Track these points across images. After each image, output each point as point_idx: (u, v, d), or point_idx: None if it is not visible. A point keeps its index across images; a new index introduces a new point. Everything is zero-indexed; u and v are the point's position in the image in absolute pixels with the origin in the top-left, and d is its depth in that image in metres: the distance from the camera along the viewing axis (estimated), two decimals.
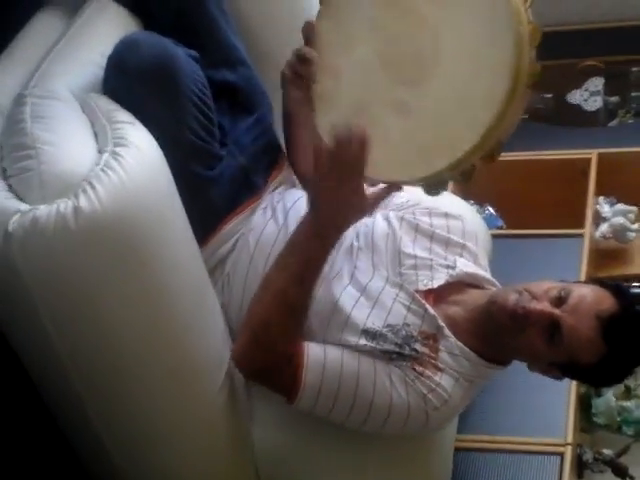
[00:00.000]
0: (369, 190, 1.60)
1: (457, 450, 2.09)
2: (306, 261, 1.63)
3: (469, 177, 1.53)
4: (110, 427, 1.66)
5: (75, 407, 1.64)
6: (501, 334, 1.71)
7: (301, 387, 1.67)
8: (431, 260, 1.80)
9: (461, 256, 1.83)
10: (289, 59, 1.70)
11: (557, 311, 1.66)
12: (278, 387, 1.71)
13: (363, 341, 1.69)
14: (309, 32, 1.65)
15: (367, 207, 1.61)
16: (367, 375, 1.68)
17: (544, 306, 1.67)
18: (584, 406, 2.48)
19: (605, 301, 1.68)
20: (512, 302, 1.68)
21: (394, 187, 1.61)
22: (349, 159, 1.52)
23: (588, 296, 1.69)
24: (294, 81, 1.71)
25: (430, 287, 1.76)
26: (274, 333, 1.65)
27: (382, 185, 1.61)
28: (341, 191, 1.55)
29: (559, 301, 1.67)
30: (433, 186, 1.56)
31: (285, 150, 2.00)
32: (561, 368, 1.74)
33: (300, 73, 1.66)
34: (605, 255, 2.92)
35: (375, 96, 1.57)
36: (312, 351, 1.68)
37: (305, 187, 1.93)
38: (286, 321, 1.65)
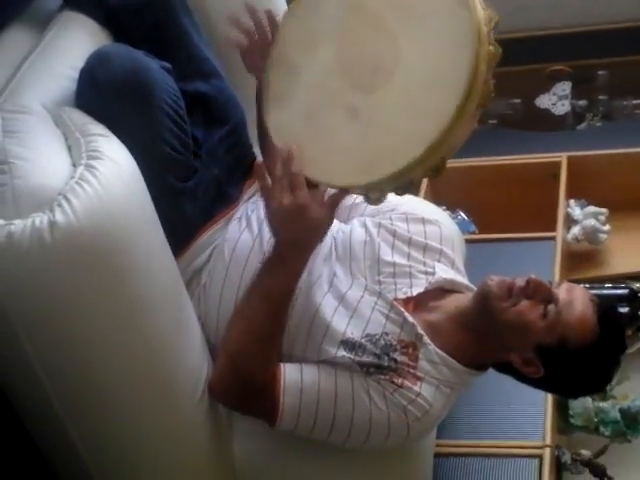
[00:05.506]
0: (322, 199, 1.58)
1: (437, 456, 2.09)
2: (276, 286, 1.64)
3: (409, 189, 1.52)
4: (92, 449, 1.64)
5: (56, 429, 1.62)
6: (490, 322, 1.69)
7: (280, 411, 1.67)
8: (410, 267, 1.79)
9: (439, 261, 1.83)
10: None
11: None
12: (257, 413, 1.72)
13: (342, 352, 1.68)
14: (270, 22, 1.68)
15: (325, 220, 1.59)
16: (345, 393, 1.67)
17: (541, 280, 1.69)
18: (561, 408, 2.49)
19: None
20: (509, 279, 1.70)
21: (345, 192, 1.59)
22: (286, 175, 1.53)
23: (577, 287, 1.72)
24: (251, 50, 1.73)
25: (409, 295, 1.75)
26: (249, 360, 1.65)
27: (332, 190, 1.59)
28: (292, 210, 1.54)
29: (550, 285, 1.70)
30: (373, 195, 1.54)
31: (261, 155, 1.98)
32: (546, 355, 1.70)
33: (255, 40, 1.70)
34: (578, 257, 2.95)
35: (329, 100, 1.55)
36: (288, 374, 1.68)
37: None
38: (259, 347, 1.66)
